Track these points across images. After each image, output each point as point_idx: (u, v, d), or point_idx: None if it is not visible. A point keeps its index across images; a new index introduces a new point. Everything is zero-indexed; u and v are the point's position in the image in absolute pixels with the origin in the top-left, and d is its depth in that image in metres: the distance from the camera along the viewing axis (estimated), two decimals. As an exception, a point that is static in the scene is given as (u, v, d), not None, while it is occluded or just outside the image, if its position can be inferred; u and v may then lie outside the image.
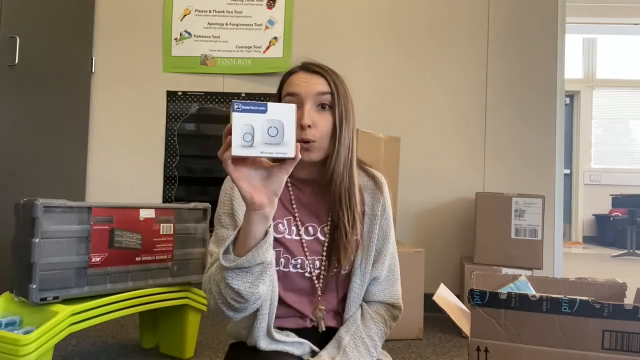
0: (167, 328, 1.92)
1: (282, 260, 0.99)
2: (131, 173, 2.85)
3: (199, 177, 2.83)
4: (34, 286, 1.44)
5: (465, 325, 1.06)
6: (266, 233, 0.80)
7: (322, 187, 1.01)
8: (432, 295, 1.16)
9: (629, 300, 1.05)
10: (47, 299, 1.47)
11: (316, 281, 1.00)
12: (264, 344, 0.96)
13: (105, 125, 2.87)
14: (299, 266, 0.99)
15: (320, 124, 0.95)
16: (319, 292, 1.01)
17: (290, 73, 1.01)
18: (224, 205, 0.99)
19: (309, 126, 0.93)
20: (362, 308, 1.05)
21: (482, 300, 0.96)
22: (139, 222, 1.70)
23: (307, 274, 1.00)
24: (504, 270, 2.21)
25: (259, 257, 0.79)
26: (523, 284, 1.25)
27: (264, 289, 0.84)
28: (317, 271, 1.00)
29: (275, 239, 0.98)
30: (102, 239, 1.60)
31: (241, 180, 0.75)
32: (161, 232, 1.77)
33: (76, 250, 1.55)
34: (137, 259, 1.70)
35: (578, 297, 0.92)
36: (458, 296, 1.26)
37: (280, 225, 1.00)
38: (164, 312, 1.86)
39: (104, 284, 1.61)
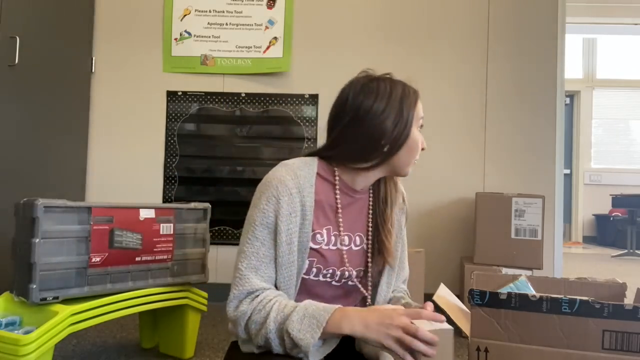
0: (167, 328, 1.92)
1: (314, 270, 0.97)
2: (131, 173, 2.85)
3: (199, 177, 2.83)
4: (34, 286, 1.44)
5: (465, 325, 1.06)
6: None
7: (366, 197, 1.05)
8: (432, 295, 1.16)
9: (629, 300, 1.05)
10: (47, 299, 1.47)
11: (362, 287, 1.03)
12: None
13: (105, 125, 2.87)
14: (328, 276, 0.99)
15: None
16: (369, 300, 1.05)
17: (417, 95, 1.04)
18: (264, 216, 0.93)
19: None
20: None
21: (482, 300, 0.96)
22: (139, 222, 1.70)
23: (334, 282, 1.01)
24: (504, 270, 2.21)
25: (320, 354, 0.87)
26: (523, 283, 1.25)
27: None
28: (352, 282, 1.02)
29: (313, 249, 0.96)
30: (102, 239, 1.60)
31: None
32: (161, 232, 1.77)
33: (76, 250, 1.55)
34: (137, 259, 1.70)
35: (578, 297, 0.92)
36: (458, 296, 1.26)
37: (318, 235, 0.97)
38: (164, 312, 1.86)
39: (104, 284, 1.61)
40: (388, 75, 1.05)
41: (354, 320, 0.84)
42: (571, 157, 7.15)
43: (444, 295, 1.18)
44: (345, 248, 1.00)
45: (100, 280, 1.60)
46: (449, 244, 2.75)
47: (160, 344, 1.96)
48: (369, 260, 1.03)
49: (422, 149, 1.02)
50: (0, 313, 1.51)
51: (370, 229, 1.04)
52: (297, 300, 0.94)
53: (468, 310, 1.08)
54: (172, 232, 1.80)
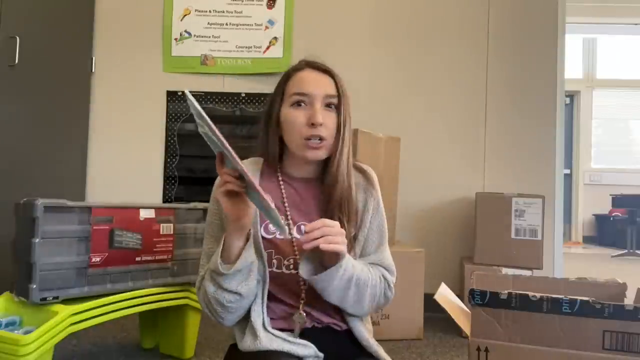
0: (167, 328, 1.92)
1: (275, 261, 0.99)
2: (131, 173, 2.85)
3: (199, 177, 2.82)
4: (34, 286, 1.44)
5: (465, 325, 1.06)
6: (247, 238, 0.91)
7: (314, 185, 1.03)
8: (432, 295, 1.16)
9: (629, 300, 1.05)
10: (47, 299, 1.47)
11: (301, 282, 0.99)
12: (266, 341, 0.94)
13: (105, 125, 2.87)
14: (292, 267, 0.99)
15: (329, 123, 0.98)
16: (303, 295, 0.99)
17: (296, 69, 1.02)
18: (212, 214, 1.04)
19: (320, 124, 0.96)
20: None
21: (482, 300, 0.96)
22: (139, 222, 1.70)
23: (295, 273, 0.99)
24: (504, 270, 2.21)
25: (249, 257, 0.91)
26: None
27: (254, 283, 0.94)
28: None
29: (267, 240, 0.99)
30: (102, 239, 1.60)
31: (226, 202, 0.87)
32: (161, 232, 1.77)
33: (76, 250, 1.55)
34: (137, 259, 1.70)
35: (578, 298, 0.92)
36: (458, 296, 1.26)
37: (270, 225, 1.00)
38: (164, 312, 1.86)
39: (104, 284, 1.61)
40: (303, 61, 1.05)
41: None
42: (571, 157, 7.15)
43: (445, 294, 1.18)
44: (299, 237, 0.99)
45: (100, 280, 1.60)
46: (449, 244, 2.75)
47: (160, 344, 1.96)
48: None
49: (313, 125, 0.95)
50: (0, 313, 1.51)
51: (320, 215, 1.01)
52: (270, 293, 1.00)
53: (468, 310, 1.08)
54: (172, 232, 1.80)
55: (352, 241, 1.01)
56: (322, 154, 0.99)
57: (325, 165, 1.02)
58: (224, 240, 0.91)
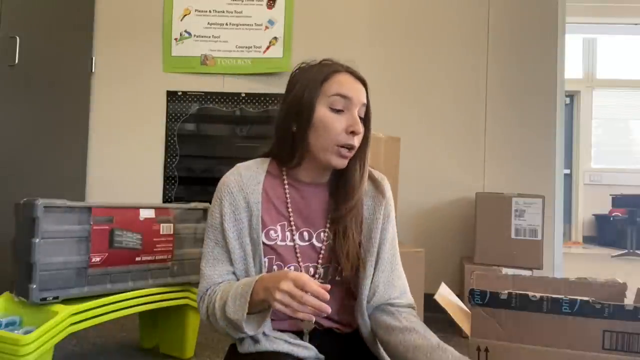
0: (167, 328, 1.92)
1: (275, 267, 0.98)
2: (131, 173, 2.85)
3: (199, 177, 2.83)
4: (34, 286, 1.44)
5: (465, 325, 1.06)
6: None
7: (322, 190, 1.00)
8: (432, 295, 1.16)
9: (629, 300, 1.05)
10: (47, 299, 1.46)
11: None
12: (266, 344, 0.94)
13: (105, 125, 2.87)
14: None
15: (362, 134, 0.97)
16: None
17: (335, 71, 0.97)
18: (213, 218, 1.00)
19: (360, 133, 0.95)
20: (399, 323, 0.96)
21: (482, 300, 0.96)
22: (139, 222, 1.70)
23: None
24: (504, 270, 2.21)
25: (267, 321, 0.91)
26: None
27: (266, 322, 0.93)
28: (318, 276, 0.99)
29: (268, 246, 0.98)
30: (102, 239, 1.60)
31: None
32: (161, 232, 1.77)
33: (76, 250, 1.55)
34: (137, 259, 1.70)
35: (578, 298, 0.92)
36: (458, 296, 1.26)
37: (272, 232, 0.98)
38: (164, 312, 1.86)
39: (104, 284, 1.61)
40: (327, 61, 1.01)
41: (266, 286, 0.85)
42: (571, 157, 7.14)
43: (445, 294, 1.18)
44: (303, 244, 0.99)
45: (100, 280, 1.60)
46: (449, 244, 2.74)
47: (160, 344, 1.96)
48: (319, 257, 0.99)
49: (352, 133, 0.93)
50: (0, 313, 1.51)
51: (327, 224, 1.00)
52: None
53: (468, 310, 1.08)
54: (172, 232, 1.80)
55: (359, 252, 0.98)
56: (346, 163, 0.96)
57: (338, 173, 0.99)
58: (252, 290, 0.86)
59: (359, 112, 0.96)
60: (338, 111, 0.94)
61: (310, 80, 0.96)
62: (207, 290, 0.96)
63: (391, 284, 1.01)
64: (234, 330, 0.90)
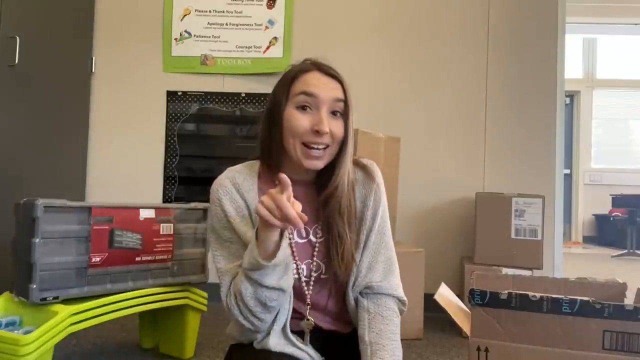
0: (167, 328, 1.92)
1: None
2: (131, 173, 2.85)
3: (199, 177, 2.83)
4: (34, 286, 1.44)
5: (465, 325, 1.06)
6: (281, 231, 0.85)
7: (312, 189, 1.00)
8: (432, 295, 1.16)
9: (629, 300, 1.05)
10: (47, 299, 1.47)
11: (305, 287, 0.98)
12: (274, 342, 0.93)
13: (105, 125, 2.87)
14: (295, 272, 0.98)
15: (335, 131, 0.94)
16: (308, 300, 0.98)
17: (303, 70, 0.97)
18: (219, 220, 0.98)
19: (326, 133, 0.92)
20: (370, 306, 0.99)
21: (482, 300, 0.96)
22: (139, 222, 1.70)
23: (304, 278, 0.98)
24: (504, 270, 2.21)
25: (287, 250, 0.87)
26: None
27: (292, 276, 0.91)
28: (305, 278, 0.98)
29: None
30: (102, 239, 1.60)
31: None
32: (161, 232, 1.77)
33: (76, 250, 1.55)
34: (137, 259, 1.70)
35: (578, 298, 0.91)
36: (458, 296, 1.26)
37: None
38: (164, 312, 1.86)
39: (104, 284, 1.61)
40: (307, 60, 1.00)
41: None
42: (571, 157, 7.14)
43: (445, 294, 1.18)
44: (302, 241, 0.99)
45: (100, 280, 1.60)
46: (449, 244, 2.75)
47: (160, 344, 1.96)
48: (314, 253, 0.99)
49: (317, 132, 0.91)
50: (0, 313, 1.51)
51: (320, 220, 0.99)
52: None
53: (468, 310, 1.08)
54: (172, 232, 1.80)
55: (354, 248, 0.98)
56: (320, 165, 0.94)
57: (324, 169, 0.97)
58: (256, 235, 0.86)
59: (333, 108, 0.94)
60: (304, 110, 0.94)
61: (281, 82, 0.98)
62: (230, 283, 0.94)
63: (372, 268, 1.00)
64: (263, 287, 0.86)
